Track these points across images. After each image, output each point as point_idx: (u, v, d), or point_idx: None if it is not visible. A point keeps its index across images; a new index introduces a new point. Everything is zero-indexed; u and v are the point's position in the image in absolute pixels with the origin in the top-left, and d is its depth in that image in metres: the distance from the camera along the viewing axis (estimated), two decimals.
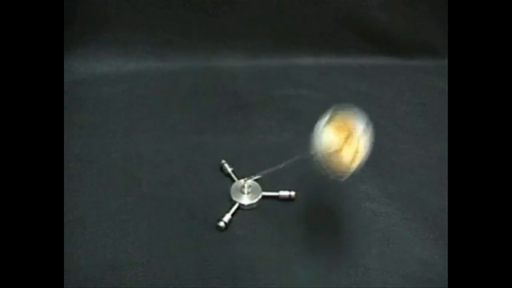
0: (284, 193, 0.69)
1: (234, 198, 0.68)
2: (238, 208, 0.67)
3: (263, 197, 0.69)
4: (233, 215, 0.66)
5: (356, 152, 0.53)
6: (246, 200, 0.68)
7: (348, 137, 0.54)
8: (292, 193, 0.69)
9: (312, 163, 0.55)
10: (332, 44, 1.12)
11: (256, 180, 0.69)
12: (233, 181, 0.72)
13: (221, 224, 0.64)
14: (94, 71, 1.02)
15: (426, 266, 0.60)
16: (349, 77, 1.09)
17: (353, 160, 0.53)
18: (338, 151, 0.54)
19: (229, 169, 0.73)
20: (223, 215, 0.65)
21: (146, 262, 0.59)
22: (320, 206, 0.69)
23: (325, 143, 0.54)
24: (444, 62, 1.06)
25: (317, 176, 0.75)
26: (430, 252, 0.62)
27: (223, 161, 0.75)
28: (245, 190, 0.69)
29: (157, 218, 0.66)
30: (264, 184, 0.71)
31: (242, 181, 0.70)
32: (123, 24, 1.03)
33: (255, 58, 1.09)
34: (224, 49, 1.08)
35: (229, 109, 0.92)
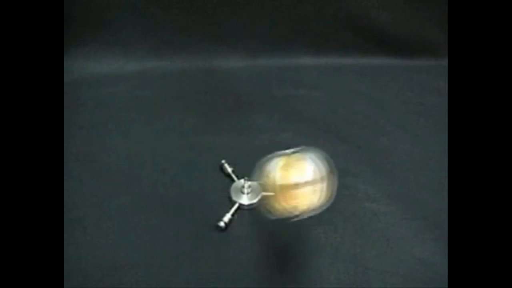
0: None
1: (234, 198, 0.68)
2: (238, 208, 0.67)
3: (263, 197, 0.69)
4: (233, 215, 0.66)
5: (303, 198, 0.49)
6: (246, 200, 0.68)
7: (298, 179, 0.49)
8: None
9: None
10: (332, 44, 1.12)
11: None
12: (233, 181, 0.72)
13: (221, 224, 0.64)
14: (94, 71, 1.01)
15: (426, 266, 0.60)
16: (349, 77, 1.08)
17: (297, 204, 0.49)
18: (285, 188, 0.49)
19: (229, 169, 0.73)
20: (223, 215, 0.65)
21: (146, 262, 0.59)
22: None
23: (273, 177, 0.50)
24: (444, 62, 1.06)
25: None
26: (430, 252, 0.62)
27: (223, 161, 0.75)
28: (245, 190, 0.69)
29: (157, 218, 0.66)
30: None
31: (242, 181, 0.70)
32: (123, 24, 1.03)
33: (255, 58, 1.09)
34: (224, 49, 1.08)
35: (229, 109, 0.92)
